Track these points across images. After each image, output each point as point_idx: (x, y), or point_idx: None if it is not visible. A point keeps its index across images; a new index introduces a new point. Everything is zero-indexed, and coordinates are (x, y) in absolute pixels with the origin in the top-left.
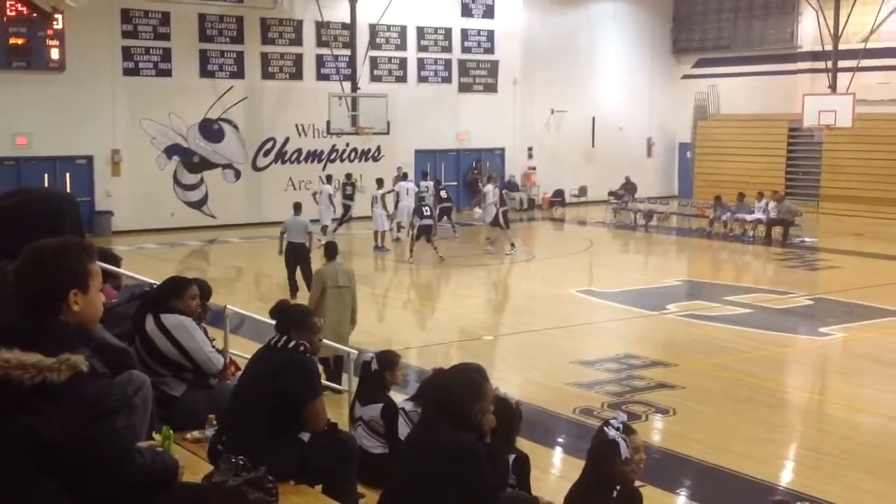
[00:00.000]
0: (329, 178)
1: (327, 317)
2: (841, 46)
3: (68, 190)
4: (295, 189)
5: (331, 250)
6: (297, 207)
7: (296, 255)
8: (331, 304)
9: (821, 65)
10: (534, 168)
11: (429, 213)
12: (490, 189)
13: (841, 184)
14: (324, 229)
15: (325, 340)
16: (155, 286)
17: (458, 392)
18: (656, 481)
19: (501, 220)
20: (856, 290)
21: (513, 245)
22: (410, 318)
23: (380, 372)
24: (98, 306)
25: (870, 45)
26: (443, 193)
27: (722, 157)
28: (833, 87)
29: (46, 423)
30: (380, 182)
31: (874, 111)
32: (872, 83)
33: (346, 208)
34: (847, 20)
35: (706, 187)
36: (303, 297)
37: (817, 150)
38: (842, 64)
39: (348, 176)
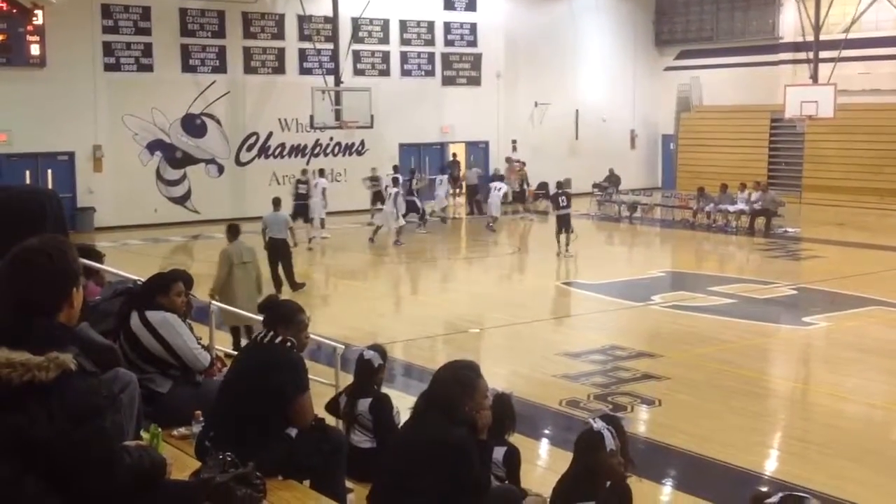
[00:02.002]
0: (322, 172)
1: (239, 290)
2: (822, 37)
3: (50, 186)
4: (279, 184)
5: (233, 231)
6: (277, 203)
7: (277, 251)
8: (239, 278)
9: (802, 55)
10: (518, 160)
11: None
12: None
13: (823, 174)
14: (322, 223)
15: (240, 311)
16: (138, 283)
17: (449, 388)
18: (642, 472)
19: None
20: (838, 279)
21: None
22: (396, 311)
23: (383, 367)
24: (80, 304)
25: (851, 36)
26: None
27: (705, 148)
28: (814, 77)
29: (33, 422)
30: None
31: (855, 101)
32: (853, 73)
33: (412, 204)
34: (828, 11)
35: (689, 178)
36: (286, 293)
37: (799, 140)
38: (823, 54)
39: (412, 172)
